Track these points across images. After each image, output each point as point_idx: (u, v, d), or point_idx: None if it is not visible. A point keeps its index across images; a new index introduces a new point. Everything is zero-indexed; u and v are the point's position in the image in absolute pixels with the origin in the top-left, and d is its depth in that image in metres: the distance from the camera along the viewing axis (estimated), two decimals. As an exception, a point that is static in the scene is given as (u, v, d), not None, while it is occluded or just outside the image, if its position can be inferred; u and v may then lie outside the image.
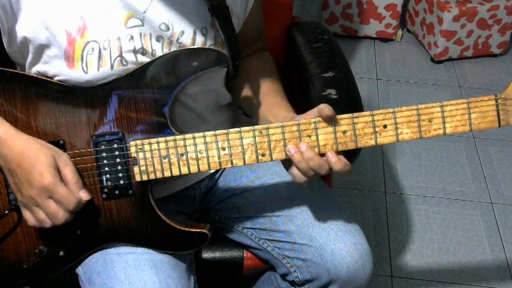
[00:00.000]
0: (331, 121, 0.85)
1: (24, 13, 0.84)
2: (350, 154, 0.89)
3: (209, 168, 0.87)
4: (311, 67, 1.27)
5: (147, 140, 0.86)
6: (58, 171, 0.81)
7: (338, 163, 0.85)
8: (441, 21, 2.59)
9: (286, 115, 0.96)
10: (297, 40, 1.37)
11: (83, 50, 0.86)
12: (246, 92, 1.08)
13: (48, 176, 0.79)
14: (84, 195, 0.82)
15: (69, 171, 0.82)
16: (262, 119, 1.02)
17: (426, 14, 2.74)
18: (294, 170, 0.87)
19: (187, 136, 0.86)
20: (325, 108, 0.84)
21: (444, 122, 0.85)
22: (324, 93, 1.17)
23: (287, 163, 0.89)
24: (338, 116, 0.85)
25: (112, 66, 0.87)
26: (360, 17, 2.79)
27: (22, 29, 0.85)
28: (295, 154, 0.85)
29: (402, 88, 2.58)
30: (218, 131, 0.85)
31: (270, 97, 1.04)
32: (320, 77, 1.23)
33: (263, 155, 0.86)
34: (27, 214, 0.84)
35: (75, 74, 0.87)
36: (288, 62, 1.24)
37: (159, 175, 0.87)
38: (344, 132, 0.85)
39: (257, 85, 1.06)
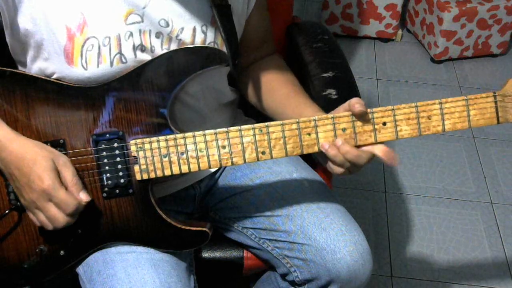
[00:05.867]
0: (366, 115, 0.85)
1: (26, 6, 0.85)
2: None
3: (209, 167, 0.87)
4: (311, 67, 1.27)
5: (147, 139, 0.86)
6: (57, 173, 0.81)
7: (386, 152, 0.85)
8: (441, 21, 2.59)
9: (315, 115, 0.95)
10: (297, 40, 1.37)
11: (82, 46, 0.86)
12: (267, 98, 1.06)
13: (47, 179, 0.79)
14: (84, 197, 0.82)
15: (68, 173, 0.81)
16: None
17: (426, 14, 2.74)
18: (331, 164, 0.87)
19: (187, 134, 0.86)
20: (356, 105, 0.84)
21: (443, 119, 0.85)
22: (324, 93, 1.17)
23: (323, 160, 0.89)
24: (338, 114, 0.85)
25: (111, 63, 0.87)
26: (360, 17, 2.80)
27: (24, 21, 0.86)
28: (329, 149, 0.85)
29: (402, 88, 2.59)
30: (218, 130, 0.85)
31: (293, 99, 1.02)
32: (320, 77, 1.23)
33: (263, 153, 0.86)
34: (31, 216, 0.84)
35: (75, 71, 0.87)
36: (288, 62, 1.24)
37: (159, 173, 0.87)
38: (343, 129, 0.85)
39: (277, 89, 1.05)
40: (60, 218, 0.81)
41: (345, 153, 0.85)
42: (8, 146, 0.81)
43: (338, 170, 0.87)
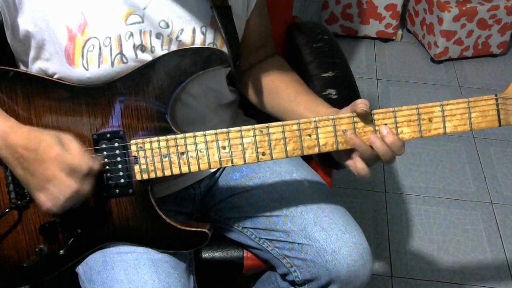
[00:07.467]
0: (367, 117, 0.85)
1: (26, 7, 0.85)
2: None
3: (210, 167, 0.87)
4: (311, 67, 1.27)
5: (148, 139, 0.86)
6: (64, 146, 0.81)
7: (389, 136, 0.85)
8: (441, 21, 2.59)
9: (328, 111, 0.94)
10: (297, 40, 1.37)
11: (83, 47, 0.86)
12: (273, 98, 1.06)
13: (55, 148, 0.79)
14: (95, 164, 0.82)
15: (74, 146, 0.81)
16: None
17: (426, 14, 2.74)
18: (358, 163, 0.87)
19: (187, 135, 0.86)
20: (360, 104, 0.83)
21: (444, 122, 0.85)
22: (324, 93, 1.17)
23: (341, 158, 0.89)
24: (338, 115, 0.85)
25: (112, 63, 0.87)
26: (360, 17, 2.80)
27: (24, 23, 0.86)
28: (387, 135, 0.84)
29: (402, 88, 2.59)
30: (218, 130, 0.85)
31: (305, 96, 1.02)
32: (320, 77, 1.23)
33: (263, 154, 0.86)
34: (41, 197, 0.81)
35: (76, 71, 0.87)
36: (288, 62, 1.24)
37: (159, 174, 0.87)
38: (344, 131, 0.85)
39: (284, 89, 1.05)
40: (74, 184, 0.80)
41: (391, 144, 0.84)
42: (16, 131, 0.81)
43: (364, 170, 0.87)
